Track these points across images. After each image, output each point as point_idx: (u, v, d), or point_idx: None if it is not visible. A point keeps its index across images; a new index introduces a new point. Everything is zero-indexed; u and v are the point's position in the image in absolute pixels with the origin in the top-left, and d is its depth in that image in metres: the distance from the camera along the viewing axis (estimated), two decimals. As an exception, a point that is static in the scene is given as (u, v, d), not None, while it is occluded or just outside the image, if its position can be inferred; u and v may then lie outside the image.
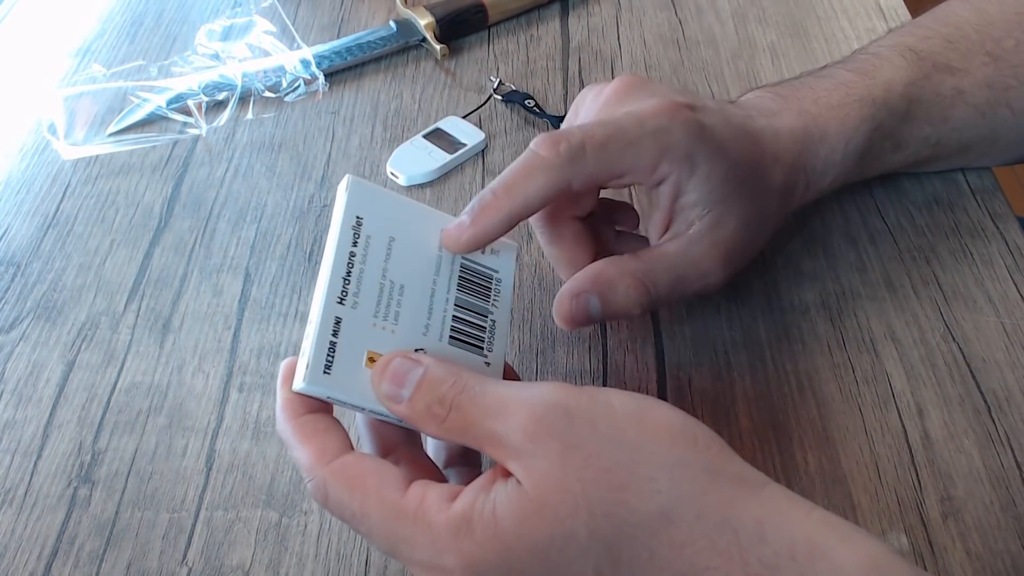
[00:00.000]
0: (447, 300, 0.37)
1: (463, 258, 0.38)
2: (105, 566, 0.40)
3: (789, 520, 0.29)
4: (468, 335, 0.37)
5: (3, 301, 0.51)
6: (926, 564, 0.37)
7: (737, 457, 0.31)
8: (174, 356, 0.47)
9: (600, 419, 0.30)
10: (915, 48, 0.48)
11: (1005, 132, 0.49)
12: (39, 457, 0.44)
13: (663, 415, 0.31)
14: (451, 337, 0.36)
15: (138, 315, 0.49)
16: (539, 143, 0.38)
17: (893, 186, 0.52)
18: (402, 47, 0.65)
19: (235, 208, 0.55)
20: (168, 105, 0.61)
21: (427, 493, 0.31)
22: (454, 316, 0.37)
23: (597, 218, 0.45)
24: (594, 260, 0.43)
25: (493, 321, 0.38)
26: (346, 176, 0.37)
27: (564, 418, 0.30)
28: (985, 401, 0.43)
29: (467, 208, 0.38)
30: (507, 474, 0.31)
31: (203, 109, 0.61)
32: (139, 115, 0.61)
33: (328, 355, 0.33)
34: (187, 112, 0.60)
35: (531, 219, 0.42)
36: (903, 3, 0.67)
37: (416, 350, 0.35)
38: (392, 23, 0.66)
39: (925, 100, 0.47)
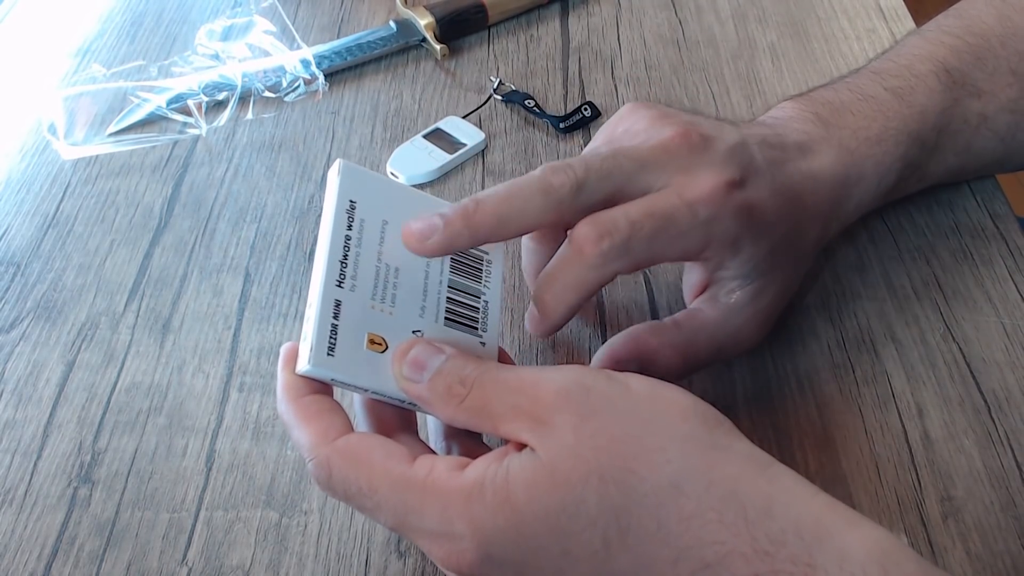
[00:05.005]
0: (440, 282, 0.37)
1: None
2: (105, 566, 0.40)
3: (796, 499, 0.29)
4: (462, 316, 0.37)
5: (3, 301, 0.51)
6: (926, 564, 0.37)
7: (745, 438, 0.31)
8: (174, 356, 0.47)
9: (616, 395, 0.31)
10: (948, 67, 0.47)
11: (1018, 154, 0.49)
12: (39, 457, 0.44)
13: (675, 395, 0.32)
14: (446, 318, 0.37)
15: (138, 315, 0.49)
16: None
17: (893, 186, 0.52)
18: (402, 47, 0.65)
19: (235, 208, 0.55)
20: (168, 105, 0.61)
21: (435, 464, 0.32)
22: (448, 298, 0.37)
23: None
24: None
25: (486, 302, 0.38)
26: (337, 160, 0.37)
27: (582, 392, 0.31)
28: (985, 401, 0.43)
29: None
30: (520, 448, 0.31)
31: (203, 109, 0.61)
32: (139, 115, 0.60)
33: (331, 337, 0.34)
34: (187, 112, 0.60)
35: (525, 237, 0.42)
36: (903, 3, 0.67)
37: (413, 331, 0.36)
38: (392, 23, 0.66)
39: (953, 129, 0.46)
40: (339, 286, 0.34)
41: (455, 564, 0.31)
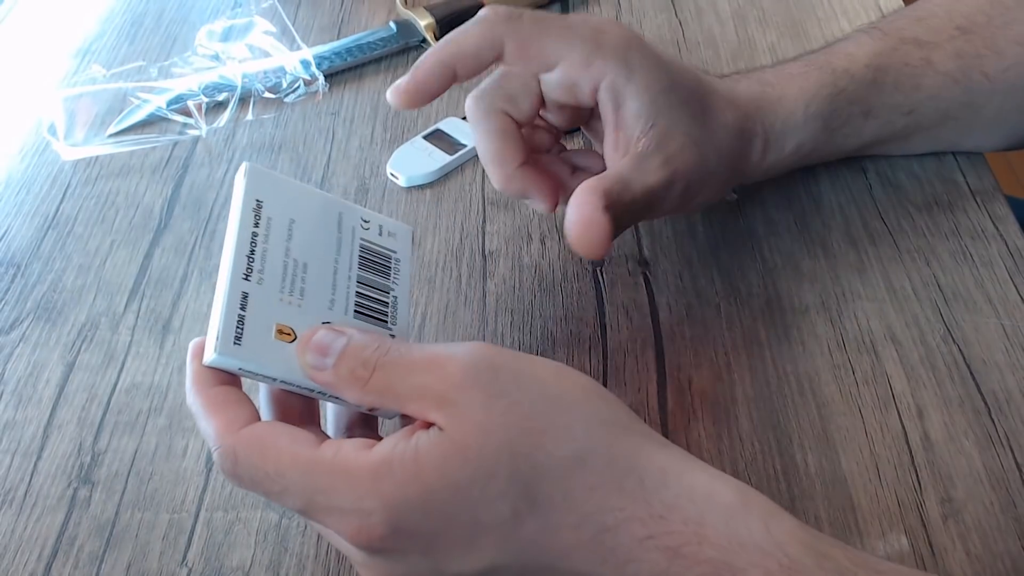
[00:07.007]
0: (349, 278, 0.38)
1: (361, 239, 0.39)
2: (105, 567, 0.40)
3: (689, 469, 0.32)
4: (372, 309, 0.38)
5: (3, 302, 0.51)
6: (926, 565, 0.37)
7: (642, 421, 0.34)
8: (174, 357, 0.47)
9: (523, 374, 0.32)
10: (881, 27, 0.50)
11: (984, 100, 0.50)
12: (39, 458, 0.44)
13: (580, 377, 0.34)
14: (355, 311, 0.37)
15: (138, 316, 0.49)
16: (484, 9, 0.42)
17: (893, 187, 0.52)
18: (402, 48, 0.65)
19: (235, 209, 0.55)
20: (168, 106, 0.61)
21: (342, 445, 0.32)
22: (357, 292, 0.38)
23: (552, 158, 0.47)
24: (523, 164, 0.43)
25: (395, 297, 0.39)
26: (243, 164, 0.37)
27: (491, 370, 0.32)
28: (985, 402, 0.43)
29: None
30: (426, 427, 0.32)
31: (203, 110, 0.61)
32: (139, 116, 0.61)
33: (237, 327, 0.34)
34: (187, 113, 0.60)
35: (468, 111, 0.44)
36: (903, 4, 0.66)
37: (323, 323, 0.36)
38: (392, 24, 0.66)
39: (893, 69, 0.48)
40: (246, 279, 0.35)
41: (365, 539, 0.31)
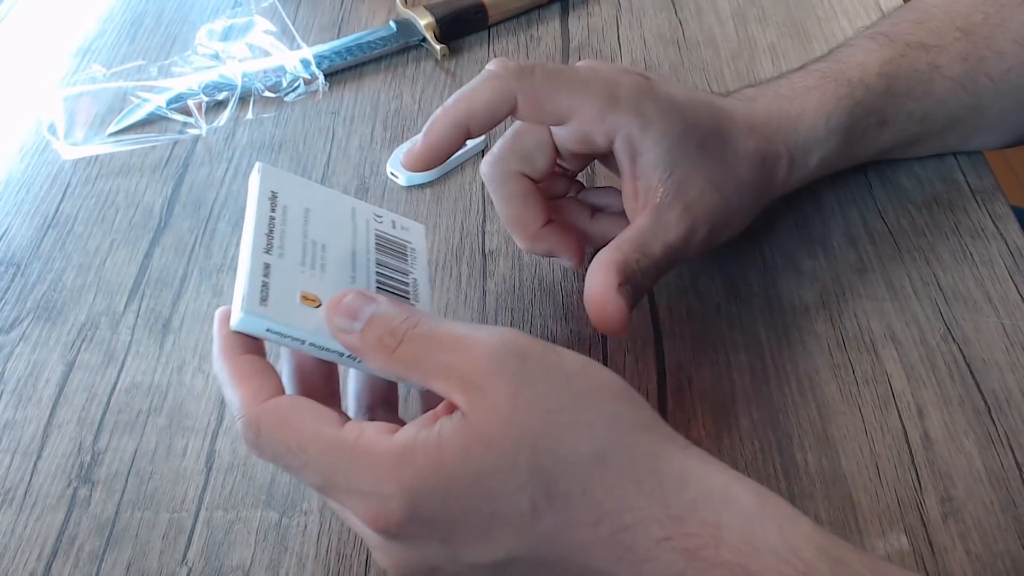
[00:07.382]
0: (368, 259, 0.38)
1: (376, 230, 0.40)
2: (105, 566, 0.40)
3: (708, 473, 0.31)
4: (393, 287, 0.38)
5: (3, 301, 0.51)
6: (926, 564, 0.37)
7: (665, 423, 0.33)
8: (174, 356, 0.47)
9: (551, 367, 0.32)
10: (885, 31, 0.50)
11: (990, 102, 0.50)
12: (39, 457, 0.44)
13: (606, 374, 0.33)
14: (378, 286, 0.37)
15: (138, 315, 0.49)
16: (492, 62, 0.40)
17: (893, 187, 0.52)
18: (402, 47, 0.65)
19: (235, 208, 0.55)
20: (168, 105, 0.61)
21: (365, 427, 0.32)
22: (377, 272, 0.38)
23: (571, 202, 0.47)
24: (544, 224, 0.44)
25: (415, 279, 0.39)
26: (256, 163, 0.38)
27: (518, 359, 0.32)
28: (985, 402, 0.43)
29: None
30: (450, 412, 0.32)
31: (203, 109, 0.61)
32: (139, 115, 0.61)
33: (263, 290, 0.34)
34: (187, 112, 0.60)
35: (485, 177, 0.44)
36: (903, 2, 0.66)
37: None
38: (392, 23, 0.66)
39: (903, 76, 0.48)
40: (267, 253, 0.35)
41: (383, 523, 0.31)
